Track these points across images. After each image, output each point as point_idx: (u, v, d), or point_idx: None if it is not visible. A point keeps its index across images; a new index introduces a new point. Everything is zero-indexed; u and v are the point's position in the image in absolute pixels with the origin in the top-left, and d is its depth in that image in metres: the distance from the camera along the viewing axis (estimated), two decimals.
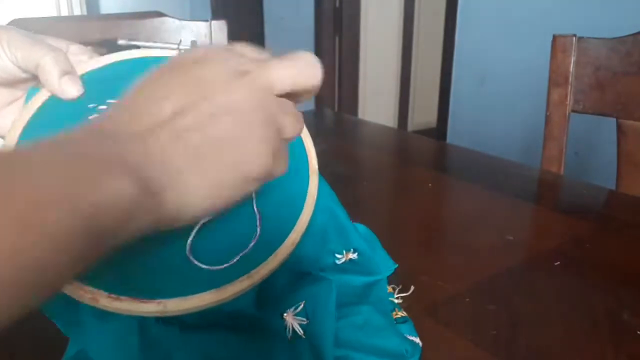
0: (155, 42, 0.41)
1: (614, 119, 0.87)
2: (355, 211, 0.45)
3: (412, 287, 0.46)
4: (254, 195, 0.33)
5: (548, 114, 0.91)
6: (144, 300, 0.27)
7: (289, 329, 0.34)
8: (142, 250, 0.28)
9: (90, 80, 0.36)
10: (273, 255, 0.31)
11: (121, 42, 0.40)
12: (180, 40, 0.41)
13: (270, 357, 0.33)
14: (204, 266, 0.29)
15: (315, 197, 0.35)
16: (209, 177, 0.26)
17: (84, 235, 0.21)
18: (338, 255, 0.40)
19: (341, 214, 0.40)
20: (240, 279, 0.29)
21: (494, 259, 0.53)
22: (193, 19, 1.13)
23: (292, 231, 0.32)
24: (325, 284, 0.36)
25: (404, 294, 0.45)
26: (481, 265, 0.52)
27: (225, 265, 0.30)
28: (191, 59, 0.28)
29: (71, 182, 0.21)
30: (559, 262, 0.52)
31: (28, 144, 0.23)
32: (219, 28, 1.10)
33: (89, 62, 0.37)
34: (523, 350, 0.40)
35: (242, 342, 0.32)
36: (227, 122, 0.26)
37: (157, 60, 0.38)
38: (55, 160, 0.22)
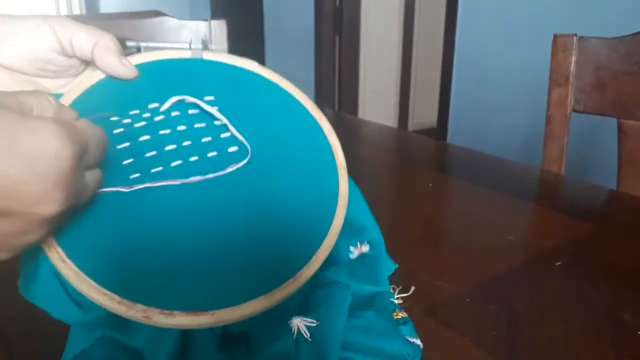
0: (164, 42, 0.41)
1: (615, 119, 0.86)
2: None
3: (413, 288, 0.46)
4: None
5: (549, 113, 0.91)
6: (197, 313, 0.28)
7: (294, 331, 0.33)
8: (191, 265, 0.29)
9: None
10: (314, 256, 0.32)
11: (130, 43, 0.40)
12: (191, 40, 0.41)
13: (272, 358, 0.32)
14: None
15: (347, 196, 0.36)
16: None
17: None
18: (352, 249, 0.40)
19: (360, 202, 0.40)
20: (287, 282, 0.30)
21: (494, 259, 0.53)
22: (193, 18, 1.13)
23: (329, 233, 0.33)
24: (342, 289, 0.35)
25: (404, 294, 0.45)
26: (481, 266, 0.51)
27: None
28: None
29: None
30: (559, 262, 0.52)
31: None
32: (219, 28, 1.10)
33: None
34: (523, 351, 0.40)
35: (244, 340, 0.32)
36: None
37: (179, 62, 0.39)
38: None
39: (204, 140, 0.35)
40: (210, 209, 0.32)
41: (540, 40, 1.38)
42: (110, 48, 0.35)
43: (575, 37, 0.87)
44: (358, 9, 3.08)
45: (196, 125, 0.35)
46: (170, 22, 1.08)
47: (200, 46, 0.39)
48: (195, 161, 0.34)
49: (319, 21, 2.98)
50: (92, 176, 0.28)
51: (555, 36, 0.89)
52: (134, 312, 0.27)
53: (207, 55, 0.39)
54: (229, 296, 0.29)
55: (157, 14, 1.08)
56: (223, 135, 0.35)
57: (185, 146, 0.34)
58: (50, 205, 0.24)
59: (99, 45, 0.35)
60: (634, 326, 0.42)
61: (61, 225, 0.27)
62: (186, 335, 0.31)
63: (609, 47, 0.85)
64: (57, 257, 0.28)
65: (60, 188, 0.24)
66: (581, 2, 1.79)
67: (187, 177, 0.33)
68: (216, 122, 0.36)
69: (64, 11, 2.44)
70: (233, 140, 0.35)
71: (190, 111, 0.36)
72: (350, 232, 0.40)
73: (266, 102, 0.39)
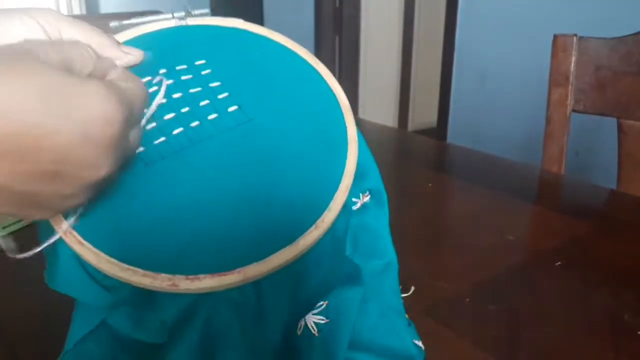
0: (147, 17, 0.41)
1: (615, 119, 0.86)
2: None
3: (412, 288, 0.46)
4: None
5: (549, 113, 0.91)
6: (224, 274, 0.27)
7: (301, 325, 0.33)
8: (210, 227, 0.29)
9: None
10: (332, 201, 0.31)
11: (113, 24, 0.40)
12: (173, 10, 0.41)
13: (276, 351, 0.32)
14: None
15: (356, 138, 0.35)
16: None
17: None
18: (355, 200, 0.38)
19: (362, 143, 0.38)
20: (309, 230, 0.30)
21: (494, 259, 0.53)
22: None
23: (343, 176, 0.33)
24: (354, 290, 0.35)
25: (404, 295, 0.45)
26: (481, 266, 0.51)
27: None
28: None
29: None
30: (559, 262, 0.52)
31: None
32: None
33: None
34: (523, 351, 0.40)
35: (247, 332, 0.32)
36: None
37: (165, 32, 0.39)
38: None
39: (202, 104, 0.34)
40: (221, 169, 0.31)
41: (540, 40, 1.38)
42: (105, 43, 0.34)
43: (575, 37, 0.87)
44: (358, 9, 3.08)
45: (191, 91, 0.34)
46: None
47: (183, 13, 0.40)
48: (197, 126, 0.33)
49: (319, 21, 2.97)
50: (135, 134, 0.27)
51: (555, 36, 0.89)
52: (160, 281, 0.27)
53: (191, 21, 0.39)
54: (253, 252, 0.28)
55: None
56: (220, 97, 0.35)
57: (184, 113, 0.33)
58: (100, 169, 0.24)
59: (93, 45, 0.33)
60: (634, 326, 0.42)
61: (103, 189, 0.27)
62: (207, 339, 0.31)
63: (609, 47, 0.85)
64: (74, 241, 0.27)
65: (110, 152, 0.24)
66: (581, 2, 1.79)
67: (191, 143, 0.32)
68: (211, 85, 0.35)
69: (64, 11, 2.44)
70: (231, 99, 0.35)
71: (183, 77, 0.35)
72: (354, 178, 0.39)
73: (258, 56, 0.38)
